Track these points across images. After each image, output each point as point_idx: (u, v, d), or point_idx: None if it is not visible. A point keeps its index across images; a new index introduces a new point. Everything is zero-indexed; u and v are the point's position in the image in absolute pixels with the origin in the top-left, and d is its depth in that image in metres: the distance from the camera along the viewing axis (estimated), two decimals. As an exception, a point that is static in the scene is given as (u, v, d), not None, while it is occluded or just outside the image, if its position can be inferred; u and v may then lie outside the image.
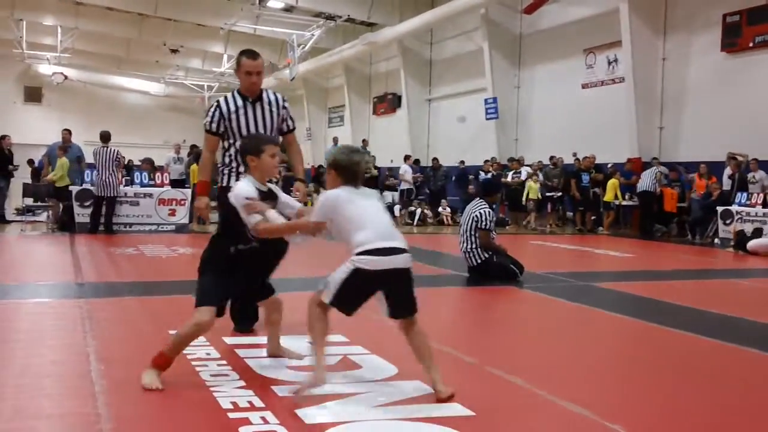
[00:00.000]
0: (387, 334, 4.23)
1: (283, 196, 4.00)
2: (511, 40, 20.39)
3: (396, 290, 3.58)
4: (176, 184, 15.18)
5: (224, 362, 4.11)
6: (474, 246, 8.03)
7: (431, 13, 20.81)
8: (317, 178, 18.04)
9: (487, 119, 20.42)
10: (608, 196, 16.40)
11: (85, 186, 13.05)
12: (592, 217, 16.77)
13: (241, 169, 4.63)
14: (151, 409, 3.41)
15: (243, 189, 3.73)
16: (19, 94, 24.55)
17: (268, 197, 3.83)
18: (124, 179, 13.47)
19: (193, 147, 16.36)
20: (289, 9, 22.16)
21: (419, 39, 23.05)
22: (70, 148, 13.64)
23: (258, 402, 3.42)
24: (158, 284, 7.40)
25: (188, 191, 14.00)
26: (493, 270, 8.00)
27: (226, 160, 4.92)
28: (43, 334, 4.90)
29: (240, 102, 4.84)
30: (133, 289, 6.90)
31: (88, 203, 12.76)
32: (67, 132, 13.92)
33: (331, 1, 21.64)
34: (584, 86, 18.45)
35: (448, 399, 3.51)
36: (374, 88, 25.78)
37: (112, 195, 12.57)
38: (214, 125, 4.86)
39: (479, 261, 8.05)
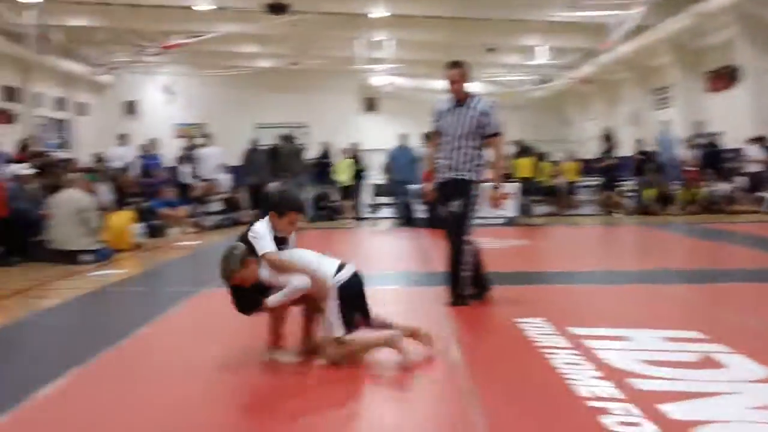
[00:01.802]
0: (750, 332, 3.93)
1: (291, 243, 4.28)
2: None
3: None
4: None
5: (576, 352, 4.13)
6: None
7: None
8: (639, 168, 17.03)
9: None
10: None
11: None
12: None
13: (445, 162, 5.56)
14: (507, 386, 3.57)
15: (258, 230, 4.06)
16: (359, 105, 26.93)
17: (281, 242, 4.12)
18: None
19: (517, 141, 16.56)
20: (607, -10, 21.41)
21: (761, 2, 20.72)
22: (407, 151, 14.66)
23: (617, 393, 3.40)
24: (495, 274, 7.57)
25: (514, 185, 14.23)
26: None
27: (439, 154, 5.67)
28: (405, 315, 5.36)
29: (450, 105, 5.65)
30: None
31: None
32: (404, 136, 14.96)
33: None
34: None
35: None
36: (705, 62, 23.78)
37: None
38: (432, 123, 5.74)
39: None
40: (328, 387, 3.71)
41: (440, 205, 5.88)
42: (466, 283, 5.65)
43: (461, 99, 5.63)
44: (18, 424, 3.17)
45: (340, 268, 4.12)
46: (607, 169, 16.41)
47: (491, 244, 10.44)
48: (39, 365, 4.20)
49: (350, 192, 15.87)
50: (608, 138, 16.89)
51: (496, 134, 5.63)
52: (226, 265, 3.99)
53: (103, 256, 8.94)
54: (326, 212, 15.89)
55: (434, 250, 10.01)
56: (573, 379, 3.62)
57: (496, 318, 5.39)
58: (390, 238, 12.51)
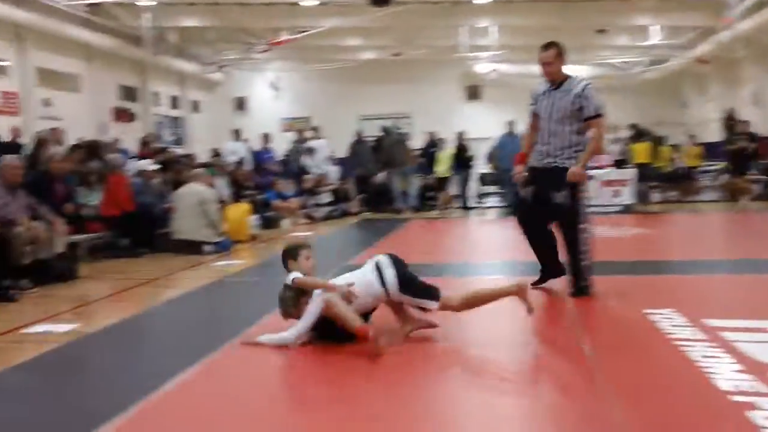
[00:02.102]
0: None
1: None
2: None
3: None
4: (617, 164, 15.04)
5: (713, 344, 3.96)
6: None
7: None
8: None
9: None
10: None
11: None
12: None
13: (542, 148, 5.45)
14: (642, 380, 3.44)
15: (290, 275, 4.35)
16: (462, 94, 26.75)
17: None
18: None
19: (633, 125, 16.05)
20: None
21: None
22: (515, 139, 14.43)
23: (762, 387, 3.23)
24: (616, 264, 7.39)
25: (631, 171, 13.83)
26: None
27: (536, 139, 5.54)
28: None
29: (545, 88, 5.51)
30: (598, 268, 7.05)
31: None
32: (512, 123, 14.73)
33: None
34: None
35: None
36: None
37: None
38: (531, 106, 5.62)
39: None
40: (452, 378, 3.68)
41: (525, 188, 5.69)
42: (587, 273, 5.50)
43: (557, 82, 5.43)
44: (148, 414, 3.24)
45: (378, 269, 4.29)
46: (736, 153, 15.55)
47: (609, 232, 10.19)
48: (169, 355, 4.37)
49: (446, 183, 15.73)
50: (731, 120, 16.04)
51: (595, 116, 5.36)
52: (285, 307, 4.32)
53: (224, 247, 9.24)
54: (432, 203, 15.87)
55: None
56: (713, 373, 3.46)
57: (624, 309, 5.20)
58: (498, 227, 12.36)
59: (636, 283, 6.20)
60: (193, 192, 9.36)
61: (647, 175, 14.82)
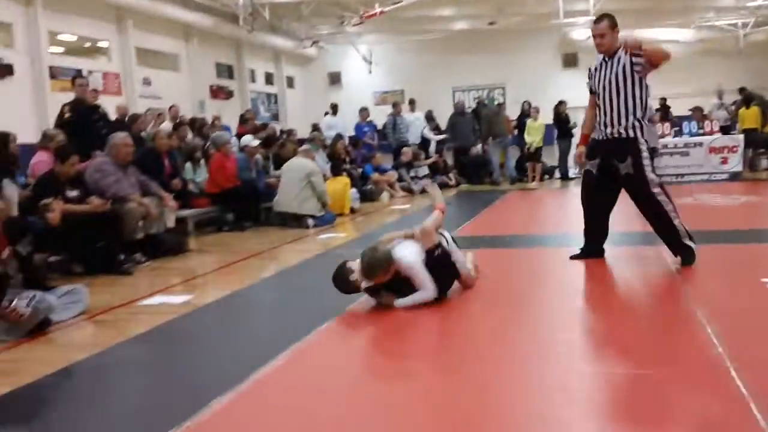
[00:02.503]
0: None
1: None
2: None
3: None
4: (723, 130, 14.41)
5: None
6: None
7: None
8: None
9: None
10: None
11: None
12: None
13: (604, 119, 5.36)
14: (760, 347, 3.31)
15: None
16: (558, 61, 26.10)
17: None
18: (672, 130, 13.34)
19: (741, 90, 15.31)
20: None
21: None
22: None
23: None
24: (728, 232, 7.14)
25: (740, 137, 13.22)
26: None
27: (597, 114, 5.48)
28: (637, 277, 5.18)
29: (599, 62, 5.46)
30: (709, 237, 6.82)
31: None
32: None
33: None
34: None
35: None
36: None
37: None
38: (588, 83, 5.59)
39: None
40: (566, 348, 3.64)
41: (590, 161, 5.60)
42: (684, 232, 5.35)
43: (611, 53, 5.36)
44: (260, 386, 3.29)
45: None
46: None
47: (718, 200, 9.82)
48: (279, 327, 4.50)
49: (539, 153, 15.38)
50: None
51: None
52: (378, 265, 4.32)
53: (327, 220, 9.40)
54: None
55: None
56: None
57: (741, 278, 5.02)
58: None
59: (751, 252, 5.99)
60: (300, 166, 9.50)
61: (756, 141, 14.13)
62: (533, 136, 14.94)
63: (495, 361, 3.42)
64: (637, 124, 5.31)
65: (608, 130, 5.40)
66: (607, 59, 5.41)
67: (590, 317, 4.25)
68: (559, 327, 3.99)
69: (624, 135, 5.33)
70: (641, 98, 5.32)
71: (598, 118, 5.49)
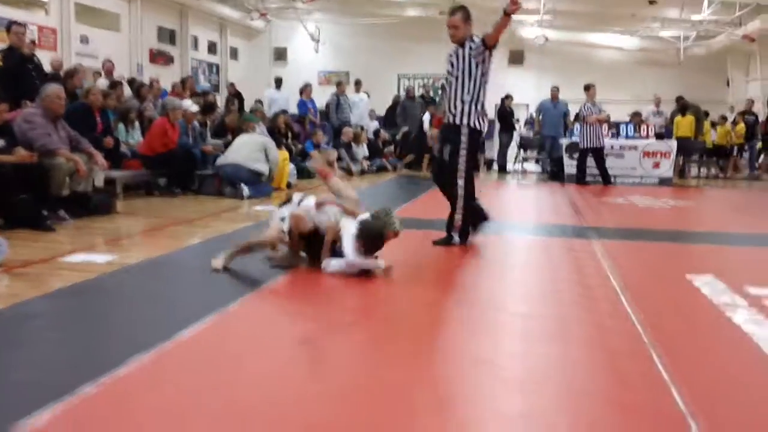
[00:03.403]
0: None
1: None
2: None
3: None
4: (658, 137, 14.79)
5: (754, 309, 3.94)
6: None
7: None
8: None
9: None
10: None
11: (573, 139, 13.62)
12: None
13: (446, 105, 5.58)
14: (688, 340, 3.38)
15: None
16: (504, 58, 26.33)
17: None
18: (610, 132, 13.62)
19: (679, 99, 15.72)
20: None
21: None
22: (557, 105, 14.27)
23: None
24: (658, 232, 7.34)
25: (673, 143, 13.58)
26: None
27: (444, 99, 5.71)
28: (565, 265, 5.24)
29: (453, 49, 5.65)
30: (639, 235, 7.00)
31: (576, 155, 13.29)
32: (556, 89, 14.53)
33: None
34: None
35: None
36: None
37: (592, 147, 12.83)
38: (447, 71, 5.67)
39: None
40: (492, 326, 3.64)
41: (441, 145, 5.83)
42: (457, 229, 5.71)
43: (461, 43, 5.60)
44: (186, 345, 3.23)
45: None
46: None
47: (650, 202, 10.06)
48: (208, 291, 4.39)
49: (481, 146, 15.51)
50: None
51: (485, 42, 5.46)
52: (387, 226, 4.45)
53: (264, 192, 9.30)
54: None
55: (583, 204, 9.76)
56: (757, 337, 3.42)
57: (666, 272, 5.18)
58: (534, 191, 12.25)
59: (677, 251, 6.17)
60: (256, 138, 9.75)
61: (688, 148, 14.54)
62: None
63: (420, 334, 3.39)
64: (466, 110, 5.54)
65: (447, 117, 5.66)
66: (458, 49, 5.62)
67: (523, 301, 4.26)
68: (489, 306, 3.99)
69: (452, 122, 5.59)
70: (475, 85, 5.54)
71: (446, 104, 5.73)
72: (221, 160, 9.43)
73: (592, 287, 4.52)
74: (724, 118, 16.80)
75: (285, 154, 10.73)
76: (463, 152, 5.54)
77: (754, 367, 3.09)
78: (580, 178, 12.92)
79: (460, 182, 5.57)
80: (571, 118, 14.72)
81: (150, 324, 3.52)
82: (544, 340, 3.38)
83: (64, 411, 2.36)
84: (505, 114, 15.48)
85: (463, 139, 5.53)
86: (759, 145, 16.28)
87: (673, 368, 2.94)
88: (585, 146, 12.83)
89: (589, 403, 2.63)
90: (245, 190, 9.06)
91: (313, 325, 3.57)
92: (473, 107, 5.55)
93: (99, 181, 7.59)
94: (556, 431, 2.35)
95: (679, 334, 3.57)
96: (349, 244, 4.47)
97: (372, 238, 4.48)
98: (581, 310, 3.93)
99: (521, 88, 23.47)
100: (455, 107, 5.57)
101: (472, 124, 5.55)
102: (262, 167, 9.42)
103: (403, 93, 18.65)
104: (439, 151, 5.87)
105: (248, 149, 9.35)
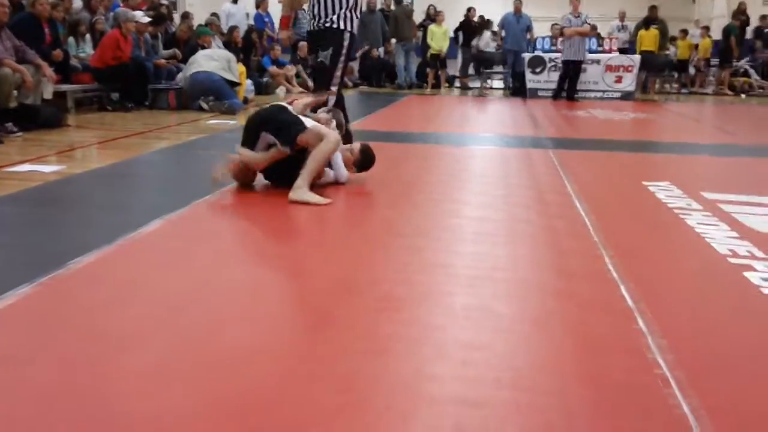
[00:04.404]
0: None
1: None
2: None
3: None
4: (622, 51, 14.71)
5: (708, 213, 3.97)
6: None
7: None
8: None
9: None
10: None
11: (536, 53, 13.49)
12: None
13: (314, 11, 5.04)
14: (640, 242, 3.41)
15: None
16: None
17: None
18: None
19: (652, 8, 15.35)
20: None
21: None
22: (521, 19, 14.05)
23: (758, 252, 3.22)
24: (616, 142, 7.37)
25: (636, 57, 13.53)
26: None
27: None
28: (520, 173, 5.24)
29: None
30: (597, 145, 7.01)
31: (538, 69, 13.18)
32: (519, 2, 14.28)
33: None
34: None
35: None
36: None
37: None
38: None
39: None
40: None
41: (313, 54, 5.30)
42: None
43: None
44: (131, 248, 3.17)
45: None
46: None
47: (610, 115, 10.08)
48: (158, 196, 4.32)
49: (442, 61, 15.26)
50: (742, 14, 15.64)
51: None
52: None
53: (237, 105, 9.14)
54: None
55: (543, 117, 9.73)
56: (711, 238, 3.46)
57: (622, 179, 5.21)
58: (497, 105, 12.16)
59: (635, 159, 6.20)
60: (219, 52, 9.64)
61: (652, 63, 14.49)
62: (438, 42, 14.73)
63: (376, 243, 3.37)
64: (349, 15, 5.09)
65: (321, 19, 5.10)
66: None
67: (477, 207, 4.23)
68: (447, 214, 3.97)
69: (332, 26, 5.07)
70: None
71: (309, 9, 5.17)
72: (187, 71, 9.18)
73: (545, 192, 4.52)
74: (684, 32, 16.68)
75: (242, 68, 10.46)
76: (342, 58, 5.12)
77: (705, 264, 3.11)
78: (557, 93, 12.70)
79: (334, 89, 5.14)
80: (534, 32, 14.51)
81: (93, 228, 3.44)
82: (494, 242, 3.37)
83: (1, 307, 2.30)
84: (469, 27, 15.19)
85: (345, 44, 5.09)
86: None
87: (622, 266, 2.96)
88: (565, 59, 12.48)
89: (537, 296, 2.63)
90: (233, 102, 9.00)
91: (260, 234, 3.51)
92: (353, 13, 5.13)
93: (48, 94, 7.34)
94: (502, 322, 2.35)
95: (631, 234, 3.60)
96: (339, 157, 4.44)
97: (369, 158, 4.61)
98: (533, 214, 3.93)
99: (486, 2, 23.11)
100: (333, 10, 5.05)
101: (352, 29, 5.14)
102: (235, 78, 9.33)
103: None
104: (311, 55, 5.35)
105: (216, 62, 9.17)
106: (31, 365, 1.94)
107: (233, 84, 9.35)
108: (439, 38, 14.74)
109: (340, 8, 5.06)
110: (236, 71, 9.52)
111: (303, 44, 13.96)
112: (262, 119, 4.25)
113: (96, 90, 8.98)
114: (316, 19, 5.09)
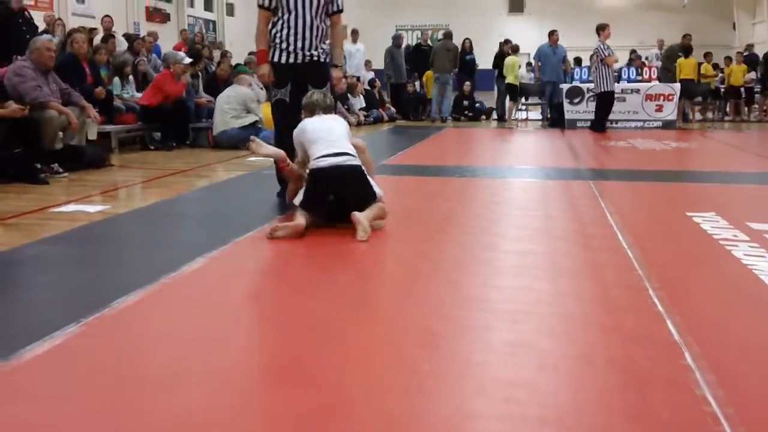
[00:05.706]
0: None
1: None
2: None
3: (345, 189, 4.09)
4: (660, 80, 14.55)
5: (755, 244, 3.87)
6: None
7: None
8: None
9: None
10: None
11: (575, 84, 13.44)
12: None
13: (284, 45, 5.04)
14: (686, 274, 3.33)
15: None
16: (505, 6, 25.96)
17: None
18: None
19: (685, 36, 15.20)
20: None
21: None
22: (557, 50, 14.04)
23: (809, 281, 3.13)
24: (658, 172, 7.27)
25: (676, 86, 13.39)
26: None
27: (274, 35, 5.12)
28: (560, 205, 5.20)
29: None
30: (639, 175, 6.93)
31: (576, 100, 13.11)
32: (555, 33, 14.25)
33: None
34: None
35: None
36: None
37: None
38: (266, 1, 5.09)
39: None
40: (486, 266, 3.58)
41: (280, 89, 5.18)
42: None
43: None
44: (173, 287, 3.19)
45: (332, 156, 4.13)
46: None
47: (652, 144, 9.96)
48: (200, 235, 4.35)
49: (516, 92, 15.11)
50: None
51: (341, 10, 5.18)
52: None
53: (265, 136, 9.15)
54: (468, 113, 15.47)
55: (583, 148, 9.66)
56: (759, 270, 3.36)
57: (667, 211, 5.12)
58: (535, 137, 12.11)
59: (678, 189, 6.12)
60: (236, 92, 9.44)
61: (692, 91, 14.32)
62: (511, 75, 14.54)
63: (414, 278, 3.35)
64: (326, 49, 5.18)
65: (304, 54, 5.08)
66: None
67: (517, 240, 4.19)
68: (482, 248, 3.94)
69: (320, 59, 5.14)
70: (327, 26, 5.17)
71: (286, 40, 5.07)
72: (214, 128, 9.35)
73: (587, 224, 4.47)
74: (729, 59, 16.46)
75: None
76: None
77: (753, 298, 3.03)
78: (599, 126, 12.21)
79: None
80: (571, 63, 14.47)
81: (137, 267, 3.48)
82: (535, 276, 3.33)
83: (48, 348, 2.33)
84: (504, 60, 15.17)
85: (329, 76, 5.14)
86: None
87: (668, 299, 2.89)
88: (604, 89, 11.96)
89: (581, 331, 2.59)
90: (264, 136, 8.98)
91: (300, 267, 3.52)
92: (326, 44, 5.20)
93: (92, 134, 7.51)
94: (546, 357, 2.31)
95: (676, 266, 3.53)
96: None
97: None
98: (575, 247, 3.88)
99: (523, 37, 23.19)
100: (317, 44, 5.08)
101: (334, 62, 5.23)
102: (252, 118, 9.29)
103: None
104: (288, 92, 5.14)
105: (231, 112, 9.20)
106: (74, 404, 1.95)
107: (254, 123, 9.29)
108: (513, 69, 14.63)
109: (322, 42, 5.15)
110: (256, 107, 9.41)
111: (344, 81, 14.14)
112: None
113: (139, 129, 9.16)
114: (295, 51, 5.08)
